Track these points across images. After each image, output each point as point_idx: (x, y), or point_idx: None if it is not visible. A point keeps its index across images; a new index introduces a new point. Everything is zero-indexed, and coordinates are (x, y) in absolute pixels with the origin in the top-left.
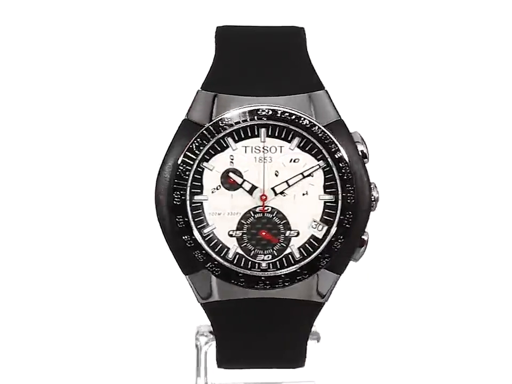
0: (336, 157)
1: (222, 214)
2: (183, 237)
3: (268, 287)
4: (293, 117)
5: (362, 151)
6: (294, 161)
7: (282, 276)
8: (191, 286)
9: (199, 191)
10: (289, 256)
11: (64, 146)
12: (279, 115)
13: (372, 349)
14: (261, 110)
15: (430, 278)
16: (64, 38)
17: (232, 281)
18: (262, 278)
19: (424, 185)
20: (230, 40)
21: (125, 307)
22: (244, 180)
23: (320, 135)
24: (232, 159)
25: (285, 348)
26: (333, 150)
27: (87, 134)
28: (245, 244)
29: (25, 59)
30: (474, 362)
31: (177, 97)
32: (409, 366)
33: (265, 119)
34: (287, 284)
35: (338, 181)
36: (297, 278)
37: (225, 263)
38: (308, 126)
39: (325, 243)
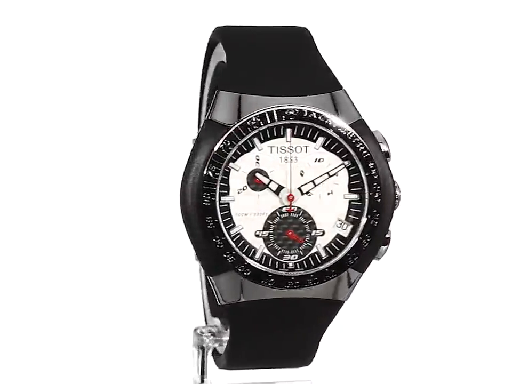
0: (364, 156)
1: (248, 214)
2: (214, 239)
3: (297, 286)
4: (320, 116)
5: (385, 151)
6: (319, 160)
7: (311, 275)
8: (214, 288)
9: (225, 191)
10: (316, 255)
11: (69, 146)
12: (306, 115)
13: (368, 347)
14: (288, 110)
15: (429, 277)
16: (69, 36)
17: (262, 281)
18: (292, 278)
19: (432, 185)
20: (240, 40)
21: (124, 307)
22: (271, 180)
23: (347, 134)
24: (258, 159)
25: (299, 348)
26: (360, 149)
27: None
28: (272, 244)
29: (20, 64)
30: (474, 362)
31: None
32: (406, 364)
33: (292, 119)
34: (316, 283)
35: (365, 180)
36: (326, 277)
37: (255, 264)
38: (335, 125)
39: (352, 242)
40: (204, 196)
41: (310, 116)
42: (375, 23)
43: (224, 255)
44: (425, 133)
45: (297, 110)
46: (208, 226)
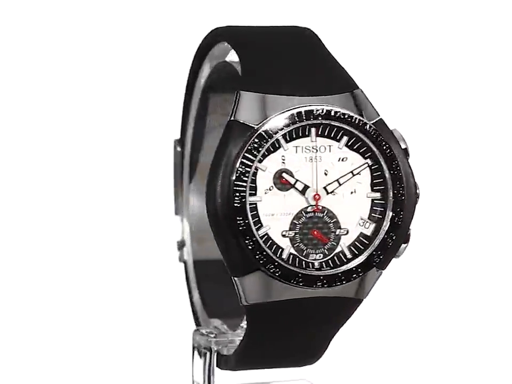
0: (388, 155)
1: (275, 214)
2: (245, 239)
3: (325, 286)
4: (346, 116)
5: (405, 149)
6: (342, 160)
7: (339, 274)
8: (238, 288)
9: (253, 192)
10: (340, 254)
11: (73, 147)
12: (332, 114)
13: (367, 347)
14: (316, 110)
15: (429, 277)
16: (73, 35)
17: (292, 281)
18: (321, 277)
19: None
20: (250, 40)
21: (125, 308)
22: (297, 180)
23: (372, 133)
24: (283, 159)
25: (312, 347)
26: (384, 148)
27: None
28: (298, 243)
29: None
30: (474, 362)
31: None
32: (406, 365)
33: (320, 118)
34: (343, 282)
35: (388, 179)
36: (353, 276)
37: (284, 264)
38: (360, 124)
39: (377, 240)
40: (234, 197)
41: (337, 115)
42: (369, 22)
43: (255, 256)
44: (425, 131)
45: (324, 110)
46: (240, 227)
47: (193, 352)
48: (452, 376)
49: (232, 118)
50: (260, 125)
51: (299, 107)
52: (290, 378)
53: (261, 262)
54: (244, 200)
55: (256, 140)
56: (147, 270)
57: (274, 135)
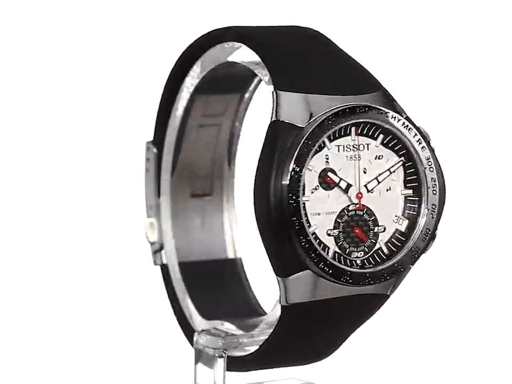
0: (422, 151)
1: (321, 214)
2: (299, 239)
3: (371, 283)
4: (385, 114)
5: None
6: (379, 158)
7: (382, 271)
8: (283, 288)
9: (303, 192)
10: (379, 251)
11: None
12: (375, 112)
13: (367, 347)
14: (358, 108)
15: (429, 276)
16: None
17: (341, 279)
18: (367, 274)
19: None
20: (267, 40)
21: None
22: (341, 179)
23: (406, 130)
24: (327, 158)
25: (332, 344)
26: (418, 144)
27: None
28: (341, 242)
29: None
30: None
31: None
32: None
33: (362, 116)
34: (387, 278)
35: (422, 175)
36: (395, 272)
37: (334, 262)
38: (397, 121)
39: (415, 236)
40: (289, 197)
41: (379, 113)
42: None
43: (309, 255)
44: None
45: (366, 108)
46: (295, 227)
47: (197, 355)
48: (452, 376)
49: (275, 118)
50: (308, 125)
51: (343, 106)
52: (281, 377)
53: (314, 260)
54: (298, 199)
55: (306, 140)
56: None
57: (322, 135)
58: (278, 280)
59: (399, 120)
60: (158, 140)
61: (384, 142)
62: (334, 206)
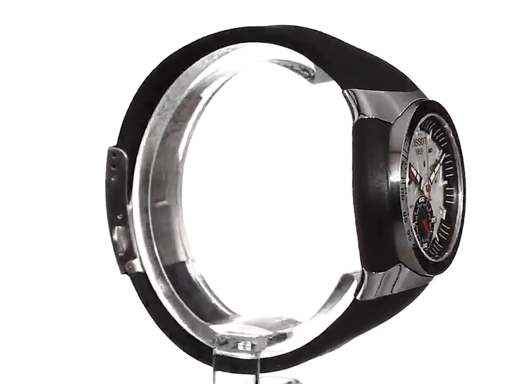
0: (459, 144)
1: (410, 207)
2: (407, 233)
3: (439, 272)
4: (443, 109)
5: None
6: (430, 151)
7: (447, 260)
8: (367, 283)
9: None
10: (435, 241)
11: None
12: (438, 107)
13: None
14: (429, 103)
15: None
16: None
17: (428, 271)
18: (440, 264)
19: None
20: (309, 40)
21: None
22: (417, 172)
23: (451, 124)
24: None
25: None
26: (456, 137)
27: None
28: (417, 234)
29: None
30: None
31: None
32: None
33: (433, 111)
34: (448, 266)
35: (459, 167)
36: (453, 259)
37: (425, 255)
38: (447, 116)
39: (458, 225)
40: (402, 192)
41: (440, 108)
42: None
43: (414, 248)
44: None
45: (434, 103)
46: (405, 221)
47: (217, 366)
48: (451, 376)
49: (361, 116)
50: (397, 120)
51: (420, 100)
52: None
53: (414, 254)
54: (404, 194)
55: (407, 137)
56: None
57: (413, 130)
58: (369, 275)
59: (447, 114)
60: (128, 145)
61: (433, 135)
62: (412, 200)
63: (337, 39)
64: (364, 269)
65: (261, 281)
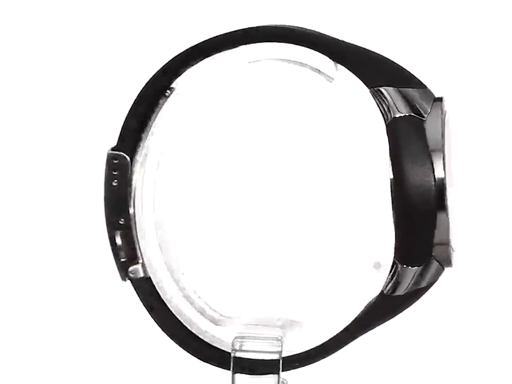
0: None
1: None
2: (449, 226)
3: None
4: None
5: None
6: None
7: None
8: (398, 278)
9: None
10: None
11: None
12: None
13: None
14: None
15: None
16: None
17: (450, 264)
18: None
19: None
20: (329, 42)
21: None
22: None
23: None
24: None
25: None
26: None
27: None
28: None
29: None
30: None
31: None
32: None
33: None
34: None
35: None
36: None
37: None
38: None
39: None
40: (445, 186)
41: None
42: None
43: (449, 240)
44: None
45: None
46: (447, 215)
47: (234, 369)
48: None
49: (398, 114)
50: (428, 116)
51: (438, 98)
52: None
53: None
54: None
55: (441, 132)
56: None
57: (444, 125)
58: (407, 270)
59: None
60: (129, 147)
61: None
62: None
63: (338, 39)
64: (397, 263)
65: (261, 281)
